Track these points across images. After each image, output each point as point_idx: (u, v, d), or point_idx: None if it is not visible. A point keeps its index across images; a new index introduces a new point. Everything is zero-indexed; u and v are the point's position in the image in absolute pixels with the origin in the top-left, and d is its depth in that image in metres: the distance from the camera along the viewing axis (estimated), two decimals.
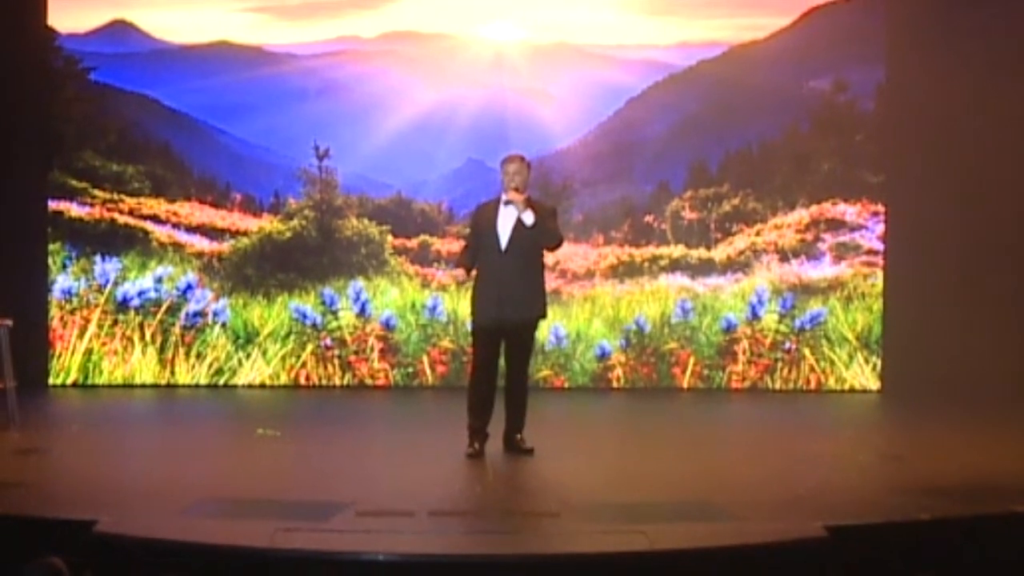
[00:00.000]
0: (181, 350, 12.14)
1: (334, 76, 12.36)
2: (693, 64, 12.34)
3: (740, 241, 12.36)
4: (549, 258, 11.56)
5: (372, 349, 12.24)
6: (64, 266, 12.07)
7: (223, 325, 12.18)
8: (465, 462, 8.50)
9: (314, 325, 12.23)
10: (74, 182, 12.10)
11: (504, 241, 8.41)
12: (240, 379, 12.19)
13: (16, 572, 4.66)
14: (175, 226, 12.19)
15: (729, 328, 12.34)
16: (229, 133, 12.32)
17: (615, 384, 12.33)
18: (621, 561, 6.25)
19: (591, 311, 12.31)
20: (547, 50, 12.31)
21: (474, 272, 8.55)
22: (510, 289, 8.42)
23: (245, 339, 12.19)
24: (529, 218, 8.34)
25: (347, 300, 12.23)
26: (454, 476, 8.24)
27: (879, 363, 12.30)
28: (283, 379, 12.21)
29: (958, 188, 11.66)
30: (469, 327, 8.89)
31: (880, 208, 12.33)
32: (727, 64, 12.35)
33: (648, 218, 12.38)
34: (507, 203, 8.39)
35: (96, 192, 12.11)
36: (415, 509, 7.12)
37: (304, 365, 12.23)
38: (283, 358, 12.21)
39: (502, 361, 8.75)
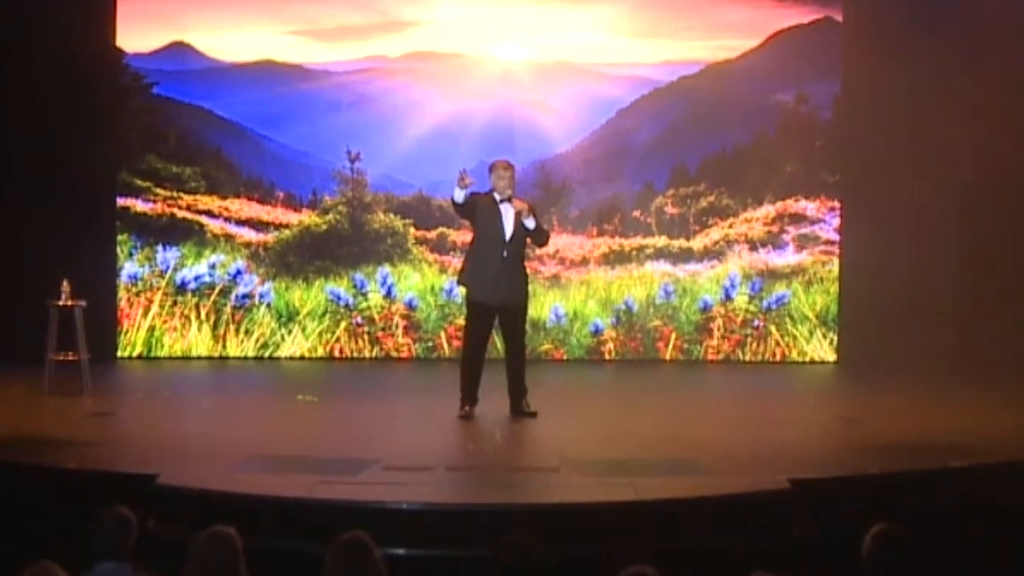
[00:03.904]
0: (232, 327, 12.12)
1: (364, 90, 12.31)
2: (675, 80, 12.29)
3: (715, 233, 12.32)
4: (550, 247, 11.63)
5: (397, 326, 12.22)
6: (131, 254, 12.05)
7: (268, 305, 12.16)
8: (477, 424, 8.51)
9: (347, 305, 12.21)
10: (139, 182, 12.07)
11: (508, 234, 8.45)
12: (283, 352, 12.17)
13: (89, 519, 4.64)
14: (226, 220, 12.16)
15: (705, 308, 12.30)
16: (273, 139, 12.29)
17: (607, 356, 12.31)
18: (612, 509, 6.25)
19: (586, 293, 12.28)
20: (548, 67, 12.26)
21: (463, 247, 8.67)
22: (508, 275, 8.47)
23: (287, 317, 12.18)
24: (531, 223, 8.44)
25: (375, 284, 12.21)
26: (467, 436, 8.24)
27: (835, 338, 12.27)
28: (320, 352, 12.19)
29: (905, 186, 11.63)
30: (462, 300, 8.94)
31: (836, 204, 12.29)
32: (704, 79, 12.30)
33: (636, 213, 12.34)
34: (503, 201, 8.45)
35: (158, 190, 12.08)
36: (434, 465, 7.12)
37: (338, 340, 12.21)
38: (320, 334, 12.19)
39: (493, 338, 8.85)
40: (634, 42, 12.29)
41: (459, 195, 8.39)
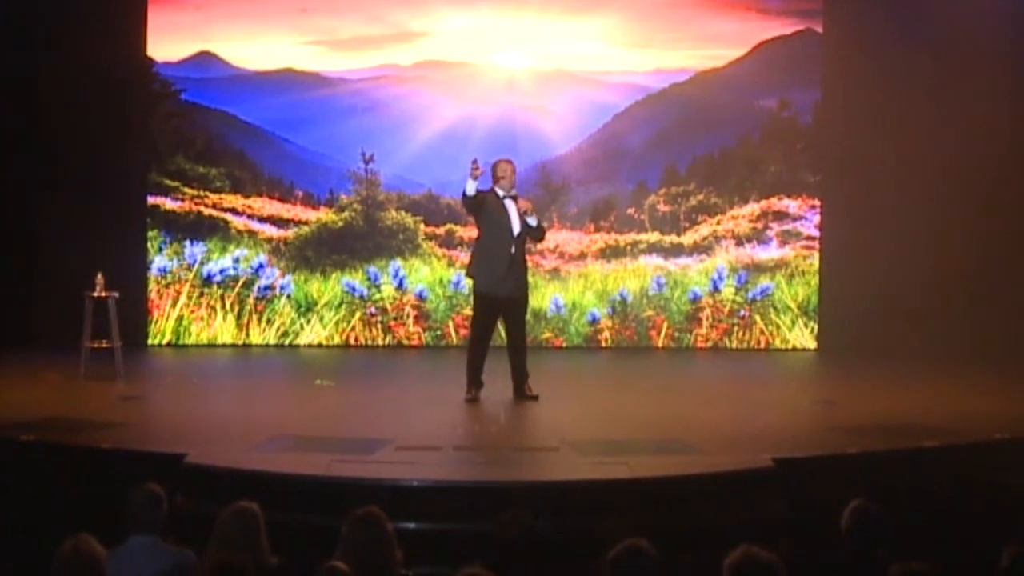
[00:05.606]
0: (254, 317, 12.13)
1: (377, 96, 12.29)
2: (666, 86, 12.26)
3: (704, 229, 12.30)
4: (550, 242, 11.65)
5: (408, 316, 12.22)
6: (160, 249, 12.05)
7: (288, 296, 12.16)
8: (482, 407, 8.52)
9: (361, 296, 12.20)
10: (168, 182, 12.06)
11: (516, 229, 8.44)
12: (302, 340, 12.17)
13: (122, 495, 4.65)
14: (249, 217, 12.15)
15: (695, 299, 12.29)
16: (293, 142, 12.27)
17: (603, 344, 12.30)
18: (608, 486, 6.26)
19: (584, 285, 12.28)
20: (548, 75, 12.23)
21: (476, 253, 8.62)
22: (514, 269, 8.47)
23: (306, 308, 12.18)
24: (534, 221, 8.47)
25: (388, 276, 12.21)
26: (474, 418, 8.25)
27: (816, 327, 12.25)
28: (336, 340, 12.19)
29: (881, 185, 11.65)
30: (469, 292, 8.98)
31: (817, 202, 12.27)
32: (694, 86, 12.27)
33: (630, 210, 12.32)
34: (507, 198, 8.45)
35: (186, 190, 12.08)
36: (443, 445, 7.13)
37: (353, 329, 12.21)
38: (336, 323, 12.19)
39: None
40: (628, 51, 12.26)
41: (471, 187, 8.36)
